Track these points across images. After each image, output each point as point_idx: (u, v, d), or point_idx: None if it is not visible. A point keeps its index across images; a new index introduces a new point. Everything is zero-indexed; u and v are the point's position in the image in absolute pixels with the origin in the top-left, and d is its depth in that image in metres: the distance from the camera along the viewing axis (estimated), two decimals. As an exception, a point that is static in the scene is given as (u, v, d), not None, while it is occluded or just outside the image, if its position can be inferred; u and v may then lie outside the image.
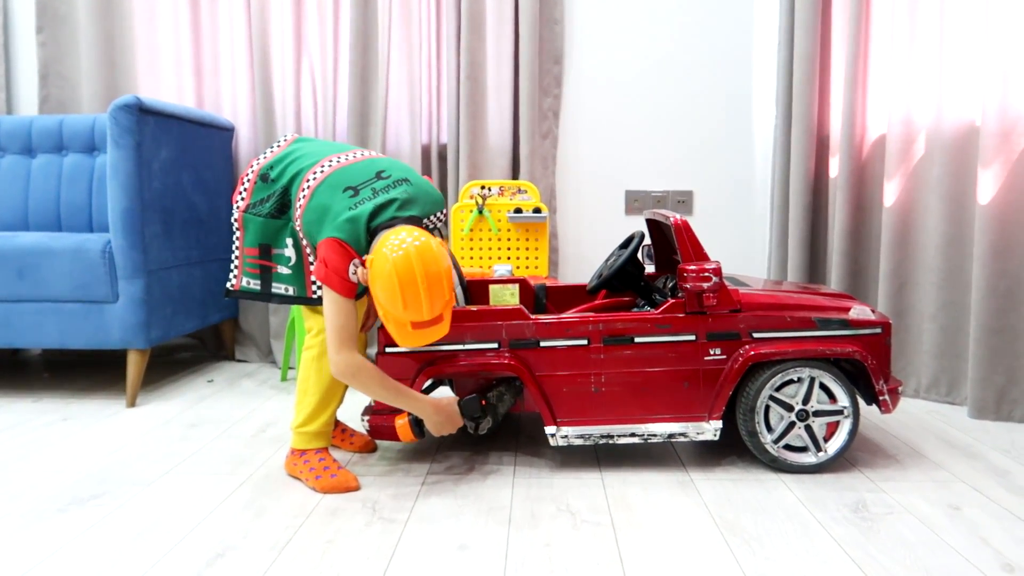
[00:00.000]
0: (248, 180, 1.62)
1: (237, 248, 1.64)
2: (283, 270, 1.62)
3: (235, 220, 1.63)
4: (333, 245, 1.47)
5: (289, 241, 1.61)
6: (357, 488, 1.60)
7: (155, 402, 2.24)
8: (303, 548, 1.33)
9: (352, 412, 2.13)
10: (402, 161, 2.65)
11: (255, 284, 1.63)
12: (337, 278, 1.46)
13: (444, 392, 2.29)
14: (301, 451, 1.65)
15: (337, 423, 1.85)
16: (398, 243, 1.41)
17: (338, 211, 1.49)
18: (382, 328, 1.65)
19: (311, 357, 1.62)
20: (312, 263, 1.59)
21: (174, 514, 1.47)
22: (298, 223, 1.55)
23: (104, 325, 2.17)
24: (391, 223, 1.48)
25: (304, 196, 1.53)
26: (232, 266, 1.66)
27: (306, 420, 1.63)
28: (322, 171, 1.55)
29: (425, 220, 1.54)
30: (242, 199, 1.61)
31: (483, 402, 1.38)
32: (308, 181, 1.54)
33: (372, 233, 1.48)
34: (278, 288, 1.63)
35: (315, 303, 1.64)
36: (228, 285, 1.67)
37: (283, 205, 1.59)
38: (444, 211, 1.62)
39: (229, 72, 2.71)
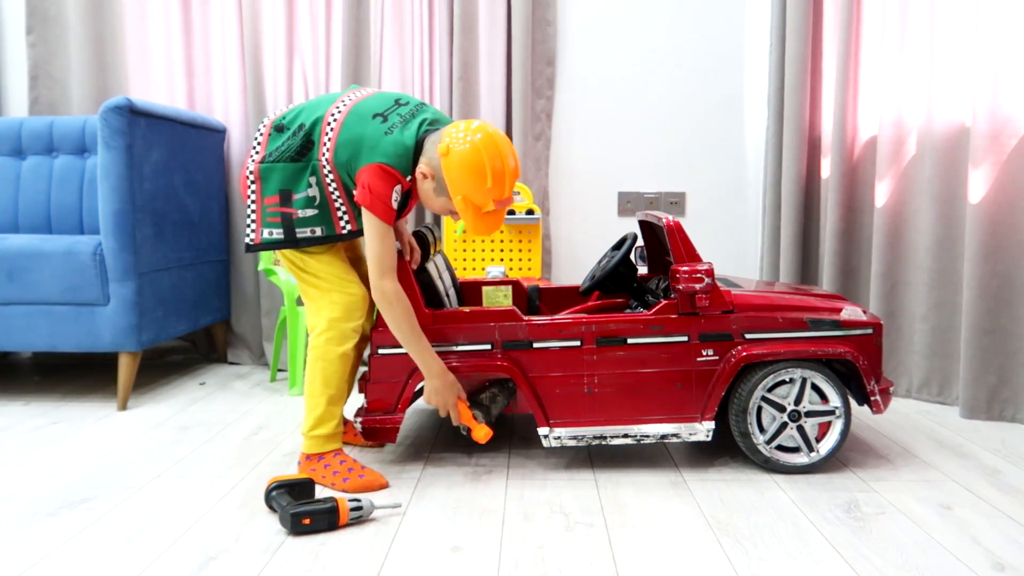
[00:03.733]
0: (261, 135, 1.62)
1: (254, 203, 1.61)
2: (306, 212, 1.59)
3: (250, 174, 1.60)
4: (377, 171, 1.49)
5: (312, 180, 1.58)
6: (387, 485, 1.60)
7: (147, 405, 2.23)
8: (295, 551, 1.32)
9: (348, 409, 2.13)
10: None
11: (278, 233, 1.60)
12: (381, 204, 1.49)
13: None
14: (317, 455, 1.62)
15: (345, 420, 1.85)
16: (474, 128, 1.49)
17: (375, 137, 1.52)
18: (376, 329, 1.65)
19: (313, 359, 1.61)
20: (336, 200, 1.59)
21: (166, 517, 1.46)
22: (327, 159, 1.55)
23: (95, 328, 2.15)
24: (426, 136, 1.53)
25: (332, 131, 1.55)
26: (249, 220, 1.62)
27: (316, 423, 1.61)
28: (344, 105, 1.58)
29: None
30: (256, 152, 1.61)
31: (304, 520, 1.39)
32: (332, 116, 1.56)
33: (418, 150, 1.53)
34: (303, 232, 1.60)
35: (346, 239, 1.62)
36: (248, 240, 1.63)
37: (304, 147, 1.57)
38: None
39: (221, 73, 2.70)
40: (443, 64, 2.58)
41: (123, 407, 2.18)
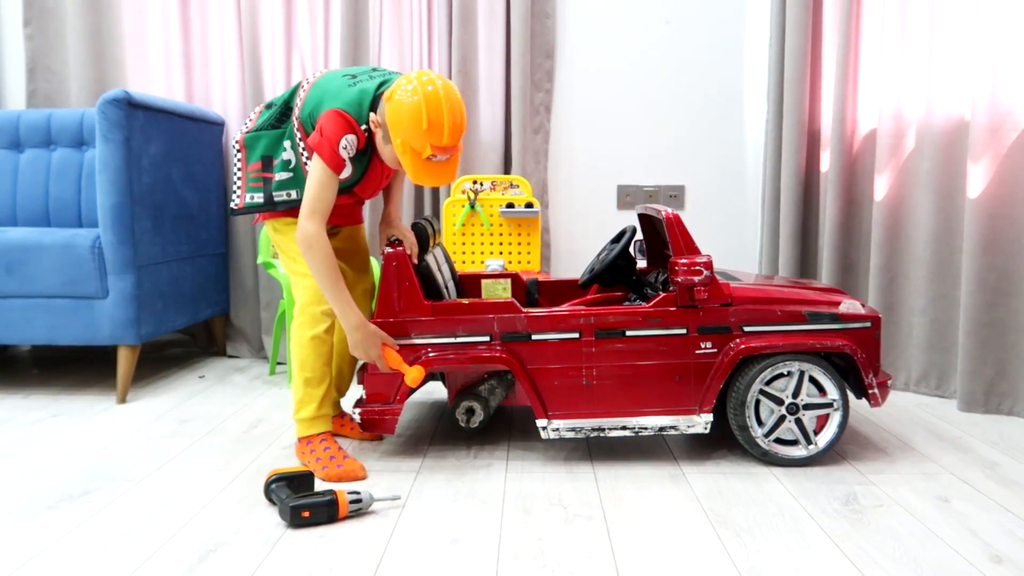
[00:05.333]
0: (255, 112, 1.70)
1: (239, 171, 1.68)
2: (282, 176, 1.63)
3: (236, 143, 1.68)
4: (333, 115, 1.52)
5: (287, 144, 1.63)
6: (364, 477, 1.61)
7: (146, 398, 2.23)
8: (295, 543, 1.33)
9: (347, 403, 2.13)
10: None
11: (258, 198, 1.66)
12: (328, 147, 1.51)
13: (436, 387, 2.29)
14: (306, 439, 1.66)
15: (345, 413, 1.87)
16: (424, 76, 1.49)
17: (338, 88, 1.56)
18: (374, 321, 1.65)
19: (291, 344, 1.66)
20: (308, 164, 1.61)
21: (165, 510, 1.46)
22: (297, 115, 1.59)
23: (94, 321, 2.15)
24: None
25: (304, 91, 1.60)
26: (235, 187, 1.69)
27: (298, 406, 1.66)
28: (320, 72, 1.65)
29: None
30: (246, 127, 1.68)
31: (304, 513, 1.39)
32: (307, 80, 1.63)
33: (376, 104, 1.54)
34: (280, 195, 1.64)
35: None
36: (232, 205, 1.70)
37: (283, 114, 1.64)
38: None
39: (219, 66, 2.69)
40: (442, 57, 2.58)
41: (122, 400, 2.18)
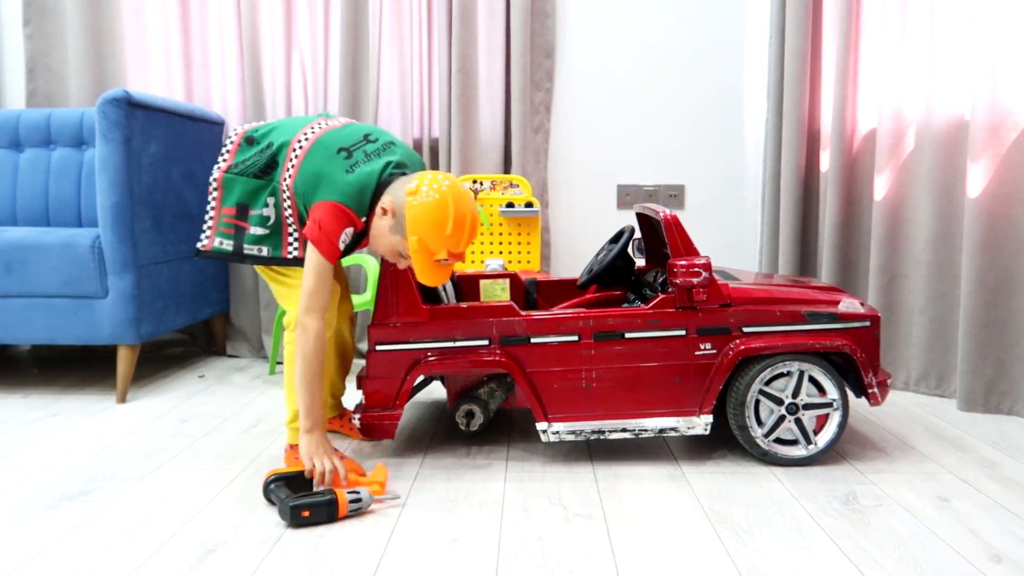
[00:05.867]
0: (231, 142, 1.63)
1: (212, 209, 1.62)
2: (257, 230, 1.59)
3: (213, 180, 1.61)
4: (331, 209, 1.48)
5: (270, 201, 1.59)
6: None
7: (146, 398, 2.23)
8: (295, 543, 1.33)
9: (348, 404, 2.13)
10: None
11: (228, 244, 1.61)
12: (327, 242, 1.47)
13: (436, 387, 2.29)
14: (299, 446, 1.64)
15: (344, 411, 1.87)
16: (449, 180, 1.49)
17: (335, 174, 1.50)
18: (373, 325, 1.65)
19: (291, 352, 1.62)
20: (291, 224, 1.59)
21: (165, 510, 1.46)
22: (287, 185, 1.55)
23: (94, 320, 2.15)
24: (391, 179, 1.52)
25: (296, 158, 1.54)
26: (205, 227, 1.63)
27: (295, 416, 1.63)
28: (312, 133, 1.57)
29: None
30: (223, 160, 1.62)
31: (303, 513, 1.38)
32: (299, 142, 1.56)
33: (377, 193, 1.51)
34: (251, 249, 1.60)
35: (289, 264, 1.61)
36: (199, 246, 1.64)
37: (268, 167, 1.58)
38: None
39: (219, 65, 2.69)
40: (442, 56, 2.58)
41: (122, 400, 2.18)
